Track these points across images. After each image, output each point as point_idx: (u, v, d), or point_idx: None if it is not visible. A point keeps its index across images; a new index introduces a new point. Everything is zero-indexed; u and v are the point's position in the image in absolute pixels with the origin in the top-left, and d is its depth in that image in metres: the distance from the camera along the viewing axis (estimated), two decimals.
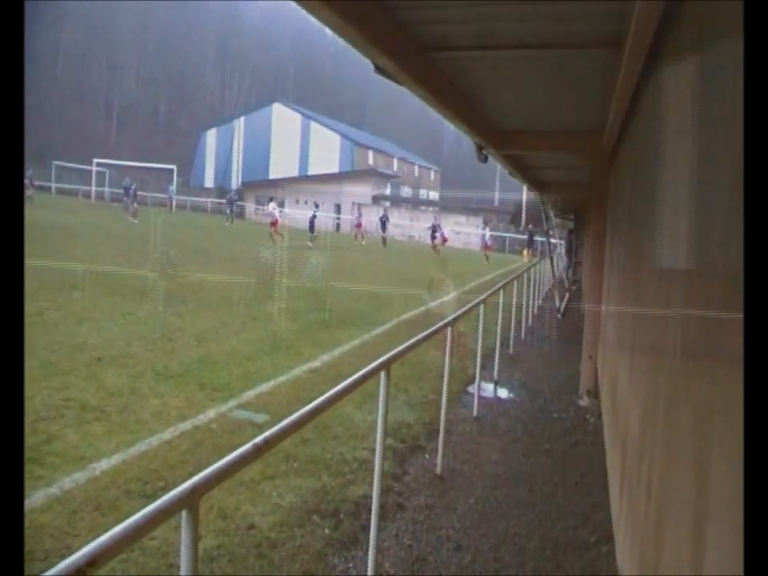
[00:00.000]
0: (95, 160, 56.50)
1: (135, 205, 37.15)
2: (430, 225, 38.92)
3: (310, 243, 28.66)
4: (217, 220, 46.78)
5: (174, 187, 54.72)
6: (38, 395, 6.20)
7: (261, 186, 60.51)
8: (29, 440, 5.16)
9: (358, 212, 42.18)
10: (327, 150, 65.30)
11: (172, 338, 9.09)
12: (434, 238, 37.89)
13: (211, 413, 6.24)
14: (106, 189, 54.49)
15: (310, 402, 2.68)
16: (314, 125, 67.59)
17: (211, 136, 76.56)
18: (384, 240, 38.11)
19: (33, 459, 4.83)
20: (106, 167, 58.76)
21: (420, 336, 4.55)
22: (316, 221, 30.42)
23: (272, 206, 34.98)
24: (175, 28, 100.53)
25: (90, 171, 57.28)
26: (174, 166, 55.22)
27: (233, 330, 10.11)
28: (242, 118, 73.63)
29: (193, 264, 18.06)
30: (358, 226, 39.99)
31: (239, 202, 57.24)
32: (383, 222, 39.60)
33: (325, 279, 18.03)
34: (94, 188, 56.74)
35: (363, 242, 37.64)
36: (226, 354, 8.51)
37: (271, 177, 65.80)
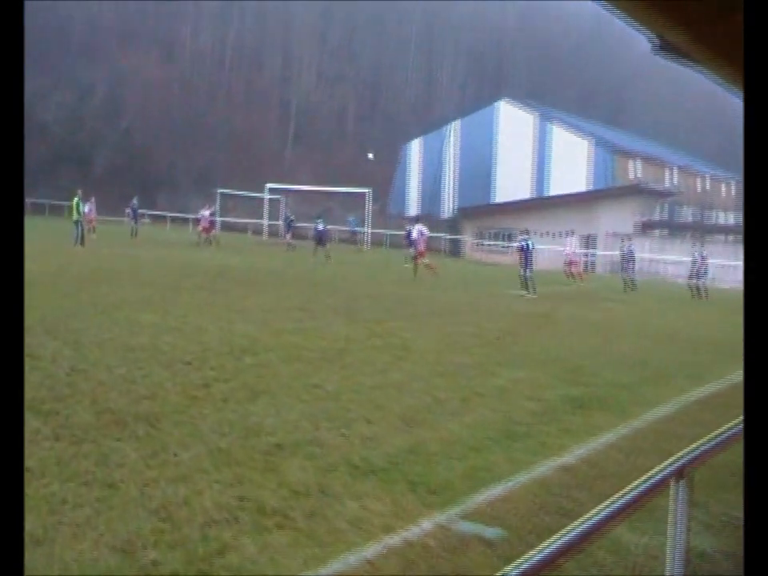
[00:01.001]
0: (268, 185, 60.09)
1: (326, 246, 39.18)
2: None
3: (523, 292, 28.52)
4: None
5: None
6: (208, 491, 6.66)
7: (482, 212, 61.54)
8: (198, 549, 5.55)
9: (570, 243, 40.55)
10: (573, 160, 64.49)
11: (372, 420, 9.40)
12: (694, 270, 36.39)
13: (427, 523, 6.34)
14: (282, 222, 57.75)
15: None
16: (554, 127, 67.51)
17: (415, 148, 79.03)
18: (629, 282, 36.75)
19: (204, 573, 5.18)
20: (282, 193, 62.45)
21: (730, 428, 4.33)
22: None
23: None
24: (364, 7, 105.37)
25: (262, 200, 60.90)
26: (367, 190, 57.46)
27: (451, 409, 10.27)
28: (456, 123, 75.31)
29: (393, 319, 18.65)
30: (572, 263, 39.04)
31: (456, 236, 58.59)
32: (627, 257, 38.10)
33: (568, 338, 17.82)
34: (266, 221, 60.11)
35: (581, 283, 36.69)
36: (443, 443, 8.64)
37: (497, 201, 66.38)
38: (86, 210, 42.28)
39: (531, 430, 9.54)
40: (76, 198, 36.39)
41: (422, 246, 33.68)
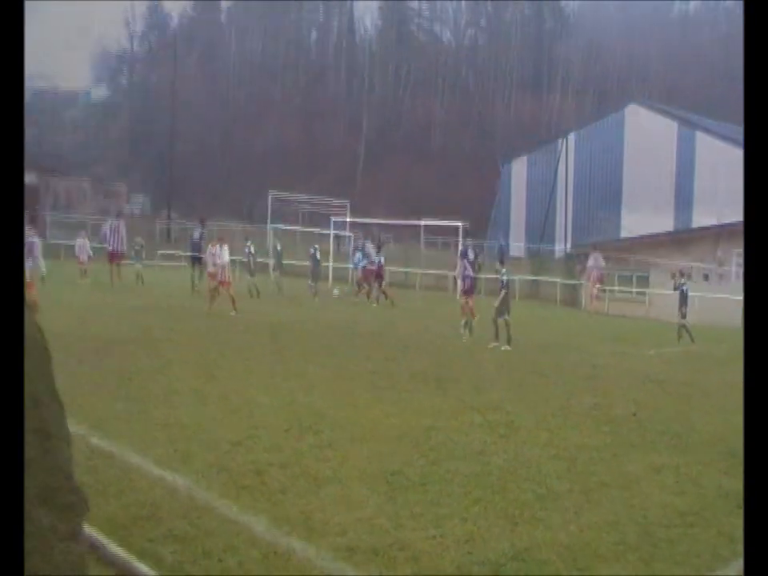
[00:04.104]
0: (333, 219, 59.92)
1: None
2: None
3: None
4: (535, 312, 47.75)
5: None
6: None
7: (606, 249, 60.72)
8: None
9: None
10: (728, 180, 63.09)
11: (467, 517, 9.35)
12: None
13: None
14: (357, 264, 56.97)
15: None
16: (701, 138, 66.49)
17: (519, 169, 78.53)
18: None
19: None
20: (351, 228, 62.43)
21: None
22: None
23: None
24: None
25: (327, 236, 60.81)
26: (460, 223, 57.05)
27: (569, 504, 10.14)
28: (571, 136, 74.63)
29: (494, 388, 18.53)
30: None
31: (572, 281, 58.06)
32: None
33: (723, 413, 17.50)
34: (331, 263, 59.55)
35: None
36: (559, 548, 8.53)
37: (625, 234, 65.41)
38: (77, 248, 43.34)
39: (677, 534, 9.33)
40: None
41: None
